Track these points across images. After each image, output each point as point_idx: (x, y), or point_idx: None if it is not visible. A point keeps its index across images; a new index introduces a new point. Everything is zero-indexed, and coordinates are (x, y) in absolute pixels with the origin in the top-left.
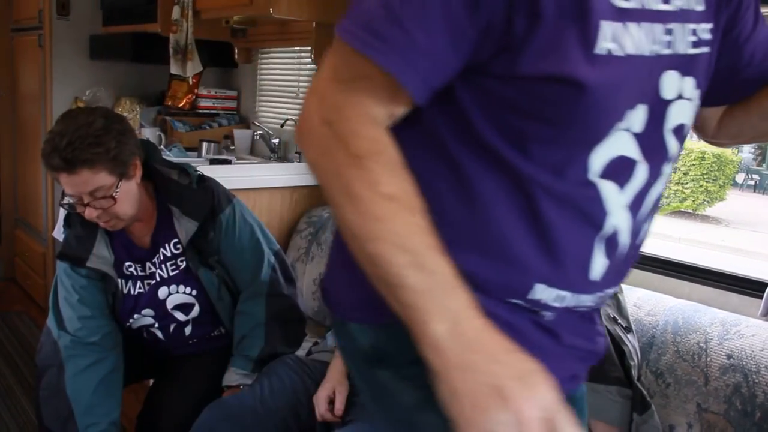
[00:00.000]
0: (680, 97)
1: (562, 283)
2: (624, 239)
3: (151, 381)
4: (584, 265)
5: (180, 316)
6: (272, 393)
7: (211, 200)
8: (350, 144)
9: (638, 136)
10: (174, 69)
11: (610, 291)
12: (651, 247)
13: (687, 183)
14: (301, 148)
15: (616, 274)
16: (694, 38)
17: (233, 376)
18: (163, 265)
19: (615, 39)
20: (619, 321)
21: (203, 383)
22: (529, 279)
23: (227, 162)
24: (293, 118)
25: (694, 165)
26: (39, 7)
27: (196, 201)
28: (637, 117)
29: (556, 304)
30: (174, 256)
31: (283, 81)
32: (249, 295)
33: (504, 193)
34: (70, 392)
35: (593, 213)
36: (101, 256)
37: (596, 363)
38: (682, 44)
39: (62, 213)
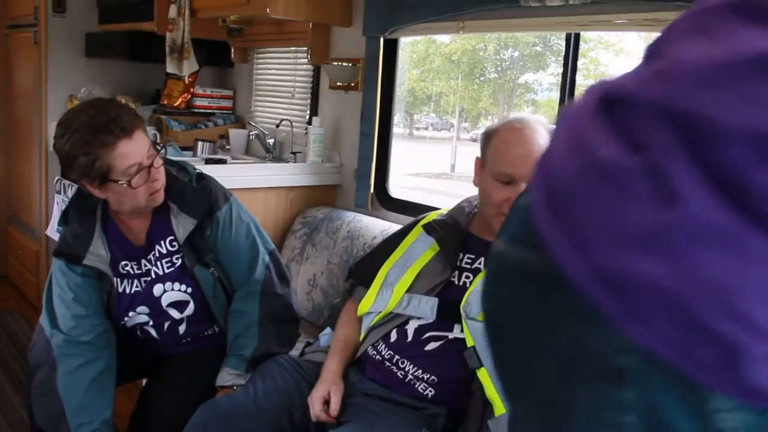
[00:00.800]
0: None
1: None
2: None
3: (144, 381)
4: None
5: (174, 313)
6: (265, 393)
7: (209, 198)
8: None
9: None
10: (170, 68)
11: None
12: None
13: None
14: None
15: None
16: None
17: (226, 377)
18: (158, 263)
19: None
20: None
21: (196, 383)
22: None
23: (222, 162)
24: (288, 118)
25: None
26: (35, 4)
27: (195, 199)
28: None
29: None
30: (170, 254)
31: (279, 81)
32: (243, 294)
33: None
34: (62, 391)
35: None
36: (98, 254)
37: None
38: None
39: (57, 211)
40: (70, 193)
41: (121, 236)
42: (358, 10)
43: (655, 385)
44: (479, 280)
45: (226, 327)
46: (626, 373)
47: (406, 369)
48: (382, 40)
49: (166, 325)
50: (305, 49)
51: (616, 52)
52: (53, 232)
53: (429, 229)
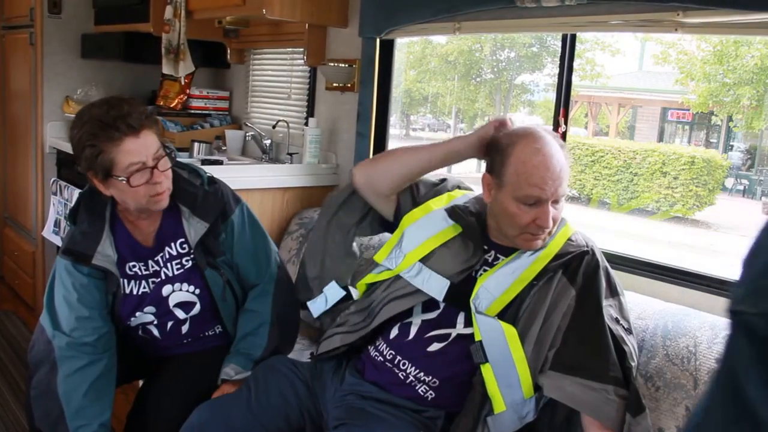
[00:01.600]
0: None
1: None
2: None
3: (141, 381)
4: None
5: (180, 313)
6: (261, 394)
7: (222, 202)
8: None
9: None
10: (166, 69)
11: None
12: (640, 251)
13: (677, 187)
14: None
15: None
16: None
17: (231, 373)
18: (168, 264)
19: None
20: (621, 322)
21: (193, 383)
22: None
23: (219, 162)
24: (285, 119)
25: (684, 169)
26: (30, 5)
27: (207, 202)
28: None
29: None
30: (180, 256)
31: (276, 82)
32: (257, 294)
33: None
34: (62, 393)
35: None
36: (105, 254)
37: None
38: None
39: (53, 212)
40: (66, 194)
41: (129, 237)
42: (354, 10)
43: None
44: (489, 275)
45: (230, 328)
46: None
47: (407, 370)
48: (378, 41)
49: (170, 324)
50: (301, 50)
51: (612, 53)
52: (49, 233)
53: (454, 215)
